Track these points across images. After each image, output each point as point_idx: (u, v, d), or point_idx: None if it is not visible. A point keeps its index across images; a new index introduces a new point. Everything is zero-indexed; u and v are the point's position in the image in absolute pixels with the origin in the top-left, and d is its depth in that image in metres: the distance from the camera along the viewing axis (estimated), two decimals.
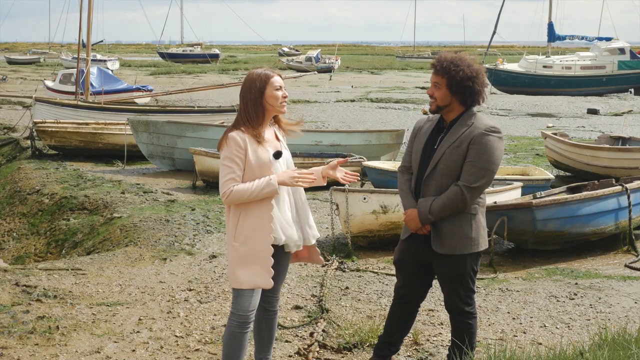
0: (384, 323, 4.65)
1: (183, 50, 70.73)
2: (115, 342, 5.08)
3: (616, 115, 25.40)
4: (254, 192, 3.84)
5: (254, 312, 4.00)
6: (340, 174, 4.09)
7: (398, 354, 4.86)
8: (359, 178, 4.83)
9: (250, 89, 3.95)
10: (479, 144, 4.06)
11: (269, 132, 4.03)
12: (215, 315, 5.67)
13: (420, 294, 4.47)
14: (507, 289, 6.51)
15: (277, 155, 3.97)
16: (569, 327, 5.58)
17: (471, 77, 4.10)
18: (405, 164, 4.42)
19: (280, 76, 4.02)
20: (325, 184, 4.19)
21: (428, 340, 5.22)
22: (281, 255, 4.08)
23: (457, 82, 4.08)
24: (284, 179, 3.89)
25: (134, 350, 4.95)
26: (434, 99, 4.18)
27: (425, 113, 19.85)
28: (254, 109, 3.93)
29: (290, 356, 4.94)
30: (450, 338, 4.44)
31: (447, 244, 4.15)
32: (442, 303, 5.29)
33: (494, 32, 37.84)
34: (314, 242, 4.18)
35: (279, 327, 5.26)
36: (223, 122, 14.65)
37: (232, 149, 3.88)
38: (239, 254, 3.93)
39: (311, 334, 5.23)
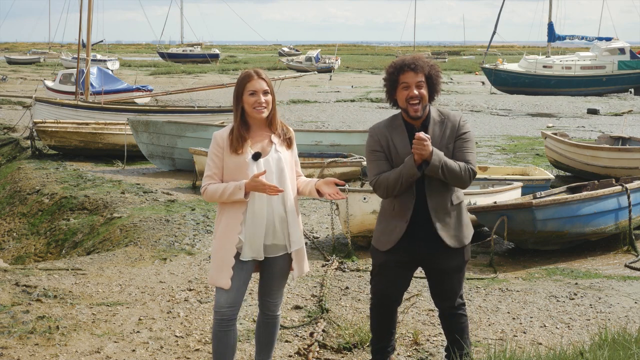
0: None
1: (183, 50, 70.72)
2: (115, 342, 5.08)
3: (616, 115, 25.41)
4: (224, 195, 3.88)
5: (232, 309, 3.94)
6: (330, 190, 4.00)
7: (398, 354, 4.86)
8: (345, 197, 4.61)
9: (235, 88, 3.99)
10: (464, 133, 4.09)
11: (261, 135, 3.99)
12: None
13: (402, 295, 4.40)
14: (507, 289, 6.51)
15: (256, 156, 3.92)
16: (569, 327, 5.58)
17: (439, 70, 4.11)
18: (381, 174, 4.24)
19: (266, 80, 3.92)
20: (319, 197, 4.15)
21: (428, 340, 5.22)
22: (276, 260, 4.03)
23: (435, 77, 4.06)
24: (253, 186, 3.82)
25: (134, 350, 4.95)
26: (418, 100, 3.97)
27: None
28: (235, 107, 3.97)
29: (290, 356, 4.93)
30: (447, 337, 4.40)
31: (462, 234, 4.13)
32: None
33: (494, 32, 37.91)
34: (294, 249, 4.03)
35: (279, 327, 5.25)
36: (223, 122, 14.66)
37: (213, 148, 3.99)
38: (211, 250, 4.03)
39: (311, 334, 5.23)
